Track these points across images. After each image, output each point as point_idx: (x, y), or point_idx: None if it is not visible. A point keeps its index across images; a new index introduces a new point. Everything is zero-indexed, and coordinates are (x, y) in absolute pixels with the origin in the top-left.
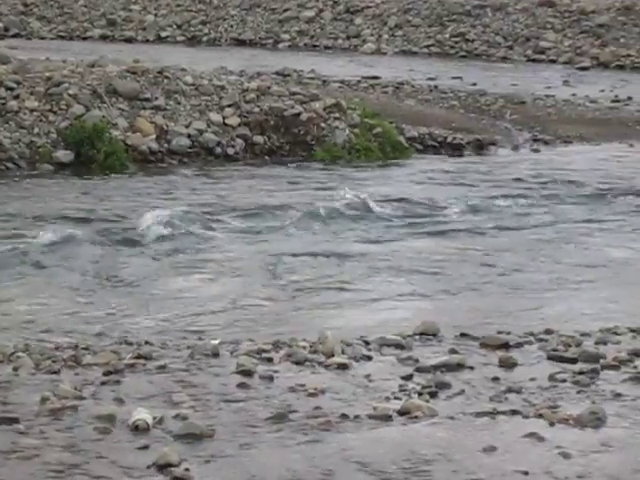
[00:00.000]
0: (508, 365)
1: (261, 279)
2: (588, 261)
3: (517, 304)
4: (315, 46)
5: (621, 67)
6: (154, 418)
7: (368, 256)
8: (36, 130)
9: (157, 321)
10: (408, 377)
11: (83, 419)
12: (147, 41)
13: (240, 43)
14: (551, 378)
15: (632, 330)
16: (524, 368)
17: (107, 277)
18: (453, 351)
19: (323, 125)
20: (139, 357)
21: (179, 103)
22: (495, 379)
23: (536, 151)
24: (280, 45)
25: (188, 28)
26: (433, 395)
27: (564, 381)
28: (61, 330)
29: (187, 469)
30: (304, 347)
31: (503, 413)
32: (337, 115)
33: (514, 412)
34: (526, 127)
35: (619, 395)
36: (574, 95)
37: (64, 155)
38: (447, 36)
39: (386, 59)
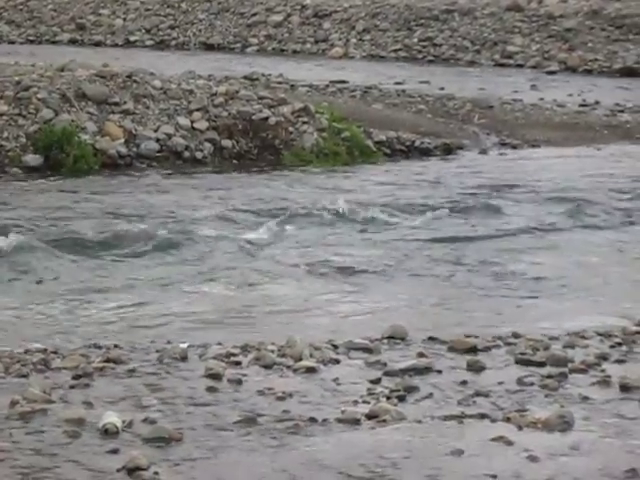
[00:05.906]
0: (476, 369)
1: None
2: (555, 265)
3: (485, 307)
4: (283, 50)
5: (589, 71)
6: (123, 422)
7: (334, 259)
8: (5, 134)
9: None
10: (376, 381)
11: (52, 423)
12: (116, 45)
13: (208, 47)
14: (519, 382)
15: (600, 334)
16: (492, 372)
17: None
18: (421, 355)
19: (291, 129)
20: (108, 360)
21: (148, 107)
22: (463, 383)
23: (503, 155)
24: (248, 49)
25: (157, 32)
26: (401, 399)
27: (532, 385)
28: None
29: (156, 473)
30: (272, 351)
31: (471, 417)
32: (305, 119)
33: (482, 416)
34: (494, 131)
35: (587, 399)
36: (542, 99)
37: (33, 159)
38: (415, 40)
39: (354, 63)
